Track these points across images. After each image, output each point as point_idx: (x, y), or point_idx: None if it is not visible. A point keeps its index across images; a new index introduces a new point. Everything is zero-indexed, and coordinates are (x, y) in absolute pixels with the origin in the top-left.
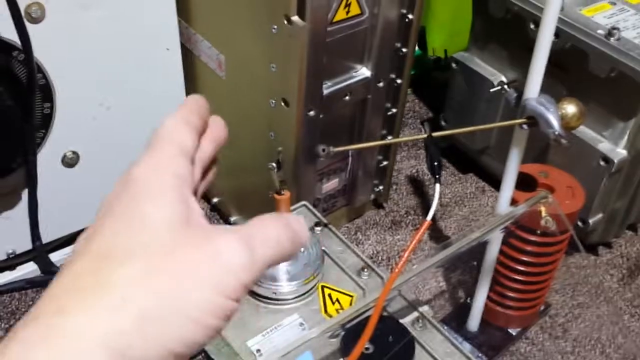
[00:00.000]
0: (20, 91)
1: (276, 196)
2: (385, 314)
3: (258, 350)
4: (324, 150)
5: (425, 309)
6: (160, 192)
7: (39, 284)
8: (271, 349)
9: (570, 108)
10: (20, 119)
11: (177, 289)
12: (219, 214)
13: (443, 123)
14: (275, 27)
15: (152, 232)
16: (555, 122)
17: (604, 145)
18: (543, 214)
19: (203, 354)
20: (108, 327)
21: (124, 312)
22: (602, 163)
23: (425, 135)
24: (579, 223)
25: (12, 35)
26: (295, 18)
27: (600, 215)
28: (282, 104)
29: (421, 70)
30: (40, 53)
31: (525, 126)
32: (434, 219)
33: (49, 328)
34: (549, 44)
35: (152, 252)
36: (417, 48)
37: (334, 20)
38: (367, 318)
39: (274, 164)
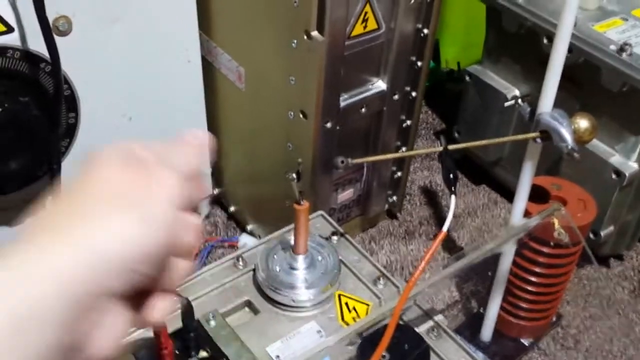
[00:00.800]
0: (47, 101)
1: (296, 206)
2: (400, 322)
3: (277, 356)
4: (342, 161)
5: (440, 318)
6: None
7: None
8: (290, 355)
9: (583, 123)
10: (46, 129)
11: None
12: (235, 222)
13: (456, 135)
14: (295, 41)
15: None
16: (568, 137)
17: (616, 159)
18: (556, 225)
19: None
20: (62, 261)
21: (78, 251)
22: (613, 176)
23: (441, 148)
24: (591, 235)
25: (39, 48)
26: (314, 33)
27: (611, 228)
28: (301, 115)
29: (434, 82)
30: (66, 65)
31: (538, 140)
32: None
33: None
34: (562, 59)
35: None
36: (430, 62)
37: (352, 34)
38: (384, 326)
39: (294, 175)
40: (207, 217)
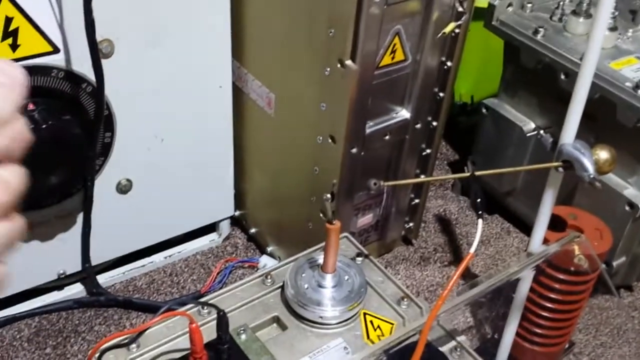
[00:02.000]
0: (87, 120)
1: (328, 225)
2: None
3: None
4: (375, 183)
5: (462, 338)
6: None
7: (85, 305)
8: None
9: (604, 154)
10: (84, 147)
11: None
12: (255, 244)
13: (472, 165)
14: (329, 69)
15: None
16: (590, 166)
17: (630, 192)
18: (576, 252)
19: None
20: None
21: None
22: (627, 208)
23: (468, 174)
24: (603, 265)
25: (82, 69)
26: (348, 62)
27: (623, 259)
28: (329, 140)
29: (448, 114)
30: (106, 86)
31: (561, 169)
32: (461, 257)
33: None
34: (585, 95)
35: None
36: None
37: (380, 65)
38: (409, 344)
39: (328, 195)
40: (227, 238)
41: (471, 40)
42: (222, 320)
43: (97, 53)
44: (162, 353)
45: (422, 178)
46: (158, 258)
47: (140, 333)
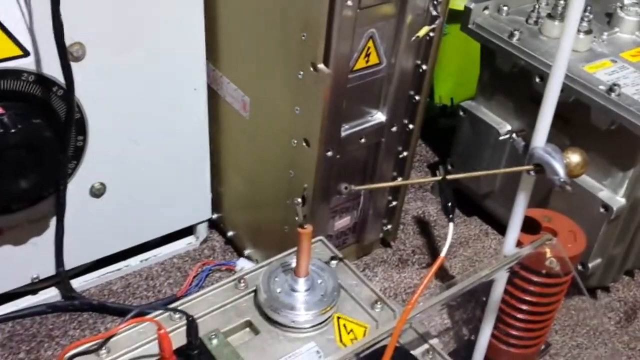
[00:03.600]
0: (58, 124)
1: (300, 230)
2: (397, 345)
3: None
4: (345, 187)
5: (435, 341)
6: None
7: (59, 309)
8: None
9: (575, 157)
10: (56, 151)
11: None
12: (233, 247)
13: (449, 167)
14: (302, 73)
15: None
16: (560, 170)
17: (604, 194)
18: (548, 255)
19: None
20: None
21: None
22: (601, 210)
23: (440, 177)
24: (579, 267)
25: (52, 72)
26: (321, 66)
27: (599, 260)
28: (304, 144)
29: (428, 116)
30: (78, 89)
31: (532, 172)
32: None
33: None
34: (555, 99)
35: None
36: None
37: (355, 68)
38: (380, 347)
39: (299, 200)
40: (205, 241)
41: (451, 43)
42: (191, 326)
43: (66, 56)
44: (133, 359)
45: (393, 182)
46: (134, 262)
47: (108, 339)
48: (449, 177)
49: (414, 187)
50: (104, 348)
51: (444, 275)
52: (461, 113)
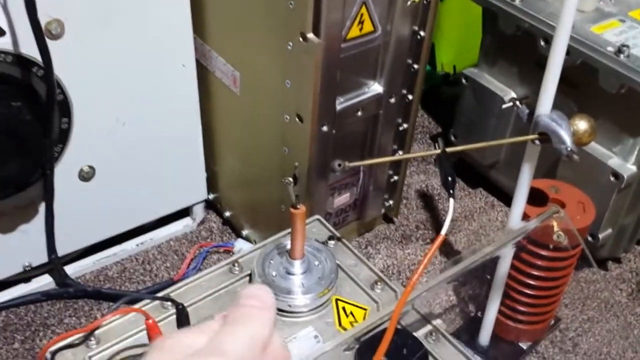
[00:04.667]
0: (39, 106)
1: (292, 210)
2: (399, 327)
3: None
4: (339, 165)
5: (438, 322)
6: None
7: (54, 297)
8: None
9: (582, 124)
10: (39, 134)
11: None
12: (230, 227)
13: (452, 138)
14: (291, 44)
15: None
16: (567, 138)
17: (614, 161)
18: (555, 228)
19: None
20: None
21: None
22: (612, 179)
23: (439, 151)
24: (589, 238)
25: (31, 51)
26: (310, 35)
27: (609, 231)
28: (297, 119)
29: (430, 85)
30: (59, 69)
31: (537, 142)
32: None
33: None
34: (561, 61)
35: None
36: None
37: (348, 37)
38: (382, 331)
39: (290, 179)
40: (202, 222)
41: (450, 7)
42: (181, 314)
43: (41, 34)
44: (123, 349)
45: (391, 157)
46: (129, 246)
47: (95, 329)
48: (448, 149)
49: (416, 160)
50: (92, 338)
51: (448, 251)
52: (463, 81)
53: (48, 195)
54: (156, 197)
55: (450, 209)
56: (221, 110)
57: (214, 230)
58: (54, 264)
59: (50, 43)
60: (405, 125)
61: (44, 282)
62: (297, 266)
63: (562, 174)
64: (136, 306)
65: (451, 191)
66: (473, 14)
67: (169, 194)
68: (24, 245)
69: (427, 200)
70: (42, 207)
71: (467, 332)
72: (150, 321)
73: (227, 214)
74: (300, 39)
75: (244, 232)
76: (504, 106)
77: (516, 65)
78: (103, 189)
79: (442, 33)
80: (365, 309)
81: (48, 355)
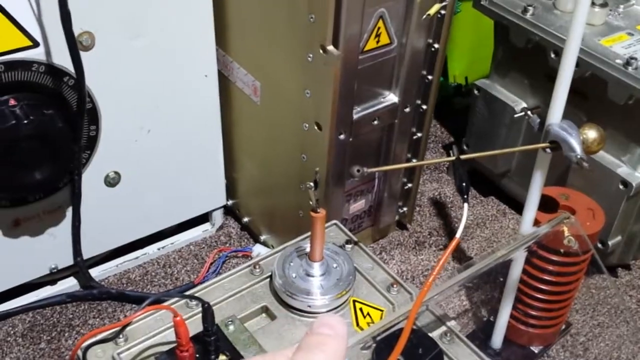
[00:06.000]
0: (70, 114)
1: (313, 214)
2: (414, 327)
3: None
4: (358, 170)
5: (452, 323)
6: None
7: (79, 298)
8: None
9: (592, 133)
10: (69, 141)
11: None
12: (249, 233)
13: (465, 148)
14: (311, 55)
15: None
16: (577, 147)
17: (623, 170)
18: (566, 233)
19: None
20: None
21: None
22: (621, 187)
23: (453, 158)
24: (599, 245)
25: (63, 62)
26: (330, 47)
27: (619, 238)
28: (315, 127)
29: (442, 96)
30: (89, 79)
31: (548, 150)
32: None
33: None
34: (571, 73)
35: None
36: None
37: (365, 49)
38: (398, 330)
39: (311, 183)
40: (221, 228)
41: (463, 20)
42: (207, 313)
43: (75, 46)
44: (150, 346)
45: (407, 163)
46: (151, 250)
47: (125, 327)
48: (462, 156)
49: (430, 169)
50: (121, 336)
51: (461, 257)
52: (475, 92)
53: (75, 200)
54: (177, 202)
55: (465, 212)
56: (241, 119)
57: (232, 236)
58: (80, 267)
59: (81, 54)
60: (419, 134)
61: (69, 284)
62: (317, 268)
63: (572, 183)
64: (164, 304)
65: (465, 196)
66: (485, 27)
67: (189, 200)
68: (50, 247)
69: (440, 207)
70: (69, 211)
71: (480, 336)
72: (178, 318)
73: (246, 219)
74: (320, 51)
75: (262, 238)
76: (515, 116)
77: (527, 76)
78: (127, 194)
79: (455, 45)
80: (382, 310)
81: (80, 352)
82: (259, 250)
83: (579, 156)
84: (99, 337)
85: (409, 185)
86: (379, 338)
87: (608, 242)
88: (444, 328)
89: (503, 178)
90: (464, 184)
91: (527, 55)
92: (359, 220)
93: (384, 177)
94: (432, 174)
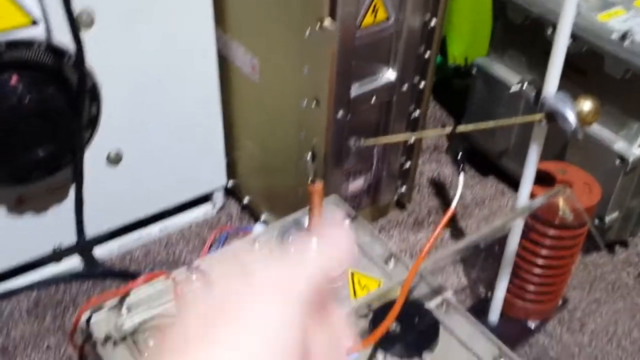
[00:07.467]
0: (70, 92)
1: (310, 186)
2: (411, 298)
3: None
4: (355, 141)
5: (448, 294)
6: None
7: (82, 277)
8: None
9: (587, 105)
10: (70, 119)
11: None
12: (249, 212)
13: (454, 120)
14: (308, 31)
15: None
16: (572, 118)
17: (620, 145)
18: (561, 205)
19: None
20: None
21: None
22: (617, 162)
23: (449, 129)
24: (596, 221)
25: (63, 40)
26: (327, 23)
27: (616, 214)
28: (313, 104)
29: (442, 77)
30: (89, 57)
31: (543, 122)
32: (455, 219)
33: None
34: (566, 42)
35: None
36: (438, 55)
37: (362, 25)
38: (394, 301)
39: (309, 156)
40: (222, 208)
41: (462, 1)
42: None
43: (75, 24)
44: (152, 317)
45: (403, 135)
46: (153, 230)
47: (126, 295)
48: (459, 127)
49: (429, 149)
50: (124, 306)
51: (459, 235)
52: (474, 70)
53: (78, 179)
54: (178, 182)
55: (460, 183)
56: (240, 98)
57: (233, 216)
58: (83, 245)
59: (81, 32)
60: (417, 113)
61: (73, 262)
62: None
63: (570, 159)
64: (165, 273)
65: (461, 166)
66: (483, 6)
67: (190, 180)
68: (54, 226)
69: (439, 187)
70: (72, 190)
71: (477, 312)
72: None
73: (246, 199)
74: (318, 27)
75: (262, 217)
76: (511, 90)
77: (525, 53)
78: (129, 174)
79: (454, 25)
80: (379, 282)
81: (83, 320)
82: (259, 229)
83: (573, 127)
84: (102, 307)
85: (408, 164)
86: (376, 308)
87: (605, 217)
88: (440, 299)
89: (502, 157)
90: (460, 154)
91: (525, 32)
92: (357, 199)
93: (382, 156)
94: (432, 154)
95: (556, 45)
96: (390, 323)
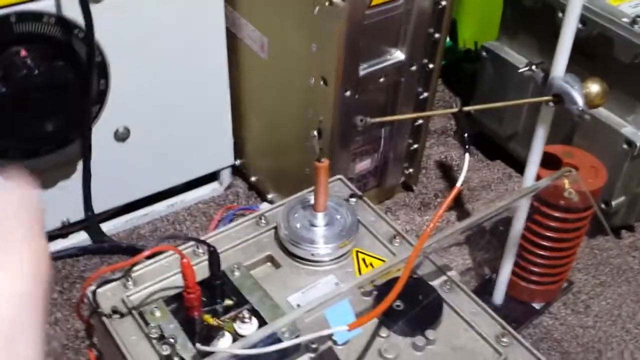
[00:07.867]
0: (79, 67)
1: (316, 163)
2: (415, 276)
3: (298, 305)
4: (361, 120)
5: (452, 273)
6: None
7: (90, 252)
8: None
9: (594, 87)
10: (78, 93)
11: None
12: (256, 192)
13: (472, 111)
14: (317, 8)
15: None
16: (579, 99)
17: (628, 129)
18: (566, 186)
19: (248, 306)
20: None
21: None
22: (625, 146)
23: (457, 109)
24: (602, 205)
25: (73, 14)
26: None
27: (622, 198)
28: (321, 82)
29: (452, 60)
30: (98, 32)
31: (551, 103)
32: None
33: None
34: (575, 25)
35: None
36: (447, 39)
37: (372, 3)
38: (398, 278)
39: (315, 132)
40: (229, 187)
41: None
42: (213, 257)
43: None
44: (158, 290)
45: (410, 114)
46: (161, 207)
47: (132, 267)
48: (465, 108)
49: (437, 133)
50: (130, 279)
51: (465, 218)
52: (484, 54)
53: (86, 154)
54: (186, 160)
55: (466, 163)
56: (249, 76)
57: (240, 195)
58: (91, 220)
59: (91, 6)
60: (425, 94)
61: (80, 237)
62: (320, 218)
63: (578, 143)
64: (171, 246)
65: (467, 146)
66: None
67: (197, 159)
68: (62, 201)
69: (446, 170)
70: (80, 165)
71: (482, 293)
72: (185, 261)
73: (253, 178)
74: (327, 3)
75: (269, 196)
76: (520, 70)
77: (535, 37)
78: (137, 150)
79: (464, 9)
80: (383, 261)
81: (89, 293)
82: (266, 208)
83: (580, 108)
84: (108, 283)
85: (415, 146)
86: (380, 286)
87: (612, 202)
88: (444, 277)
89: (509, 141)
90: (466, 134)
91: (535, 15)
92: (364, 180)
93: (389, 137)
94: (439, 137)
95: (565, 25)
96: (393, 298)
